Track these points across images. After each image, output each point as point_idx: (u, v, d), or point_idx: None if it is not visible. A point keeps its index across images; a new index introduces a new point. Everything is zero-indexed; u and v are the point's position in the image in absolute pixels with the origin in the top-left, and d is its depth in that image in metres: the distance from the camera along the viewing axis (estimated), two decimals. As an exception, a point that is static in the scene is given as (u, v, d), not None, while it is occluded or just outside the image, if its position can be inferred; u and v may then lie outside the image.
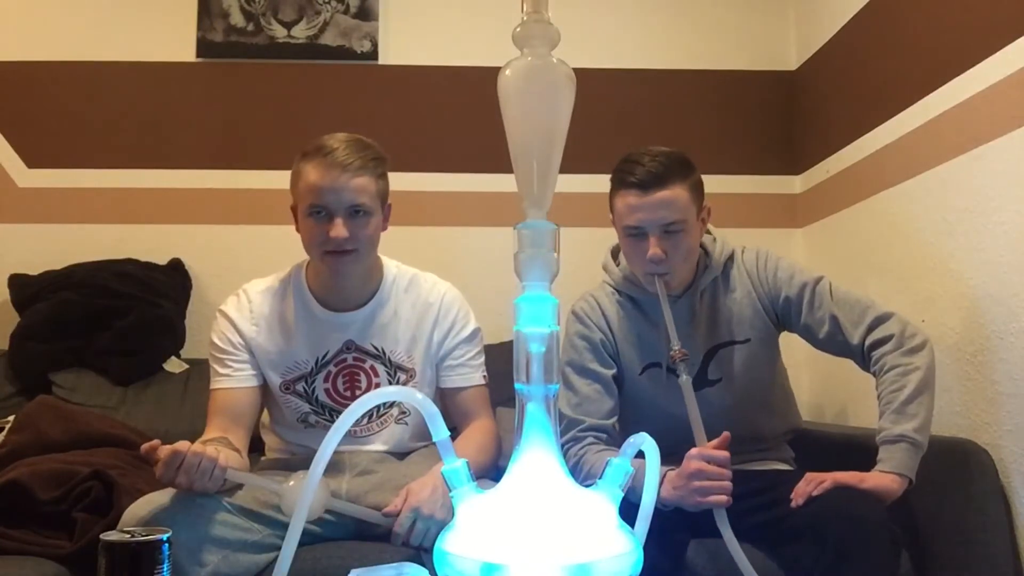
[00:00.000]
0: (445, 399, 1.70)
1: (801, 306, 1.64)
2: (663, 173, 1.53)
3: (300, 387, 1.63)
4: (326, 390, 1.63)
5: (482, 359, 1.72)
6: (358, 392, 1.63)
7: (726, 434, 1.40)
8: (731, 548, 1.32)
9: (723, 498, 1.35)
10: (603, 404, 1.63)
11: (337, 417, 0.82)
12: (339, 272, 1.56)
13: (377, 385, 1.64)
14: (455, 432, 1.66)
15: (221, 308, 1.65)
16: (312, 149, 1.55)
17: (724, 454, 1.38)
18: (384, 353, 1.65)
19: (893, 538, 1.32)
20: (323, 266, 1.57)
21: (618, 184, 1.58)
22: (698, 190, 1.59)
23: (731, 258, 1.70)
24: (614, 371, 1.67)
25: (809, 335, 1.66)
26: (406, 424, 1.69)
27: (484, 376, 1.71)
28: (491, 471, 1.60)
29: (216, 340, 1.62)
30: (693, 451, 1.39)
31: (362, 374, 1.64)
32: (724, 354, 1.66)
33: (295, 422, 1.65)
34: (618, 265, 1.73)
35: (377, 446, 1.66)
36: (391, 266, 1.71)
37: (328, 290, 1.63)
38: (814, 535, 1.33)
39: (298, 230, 1.60)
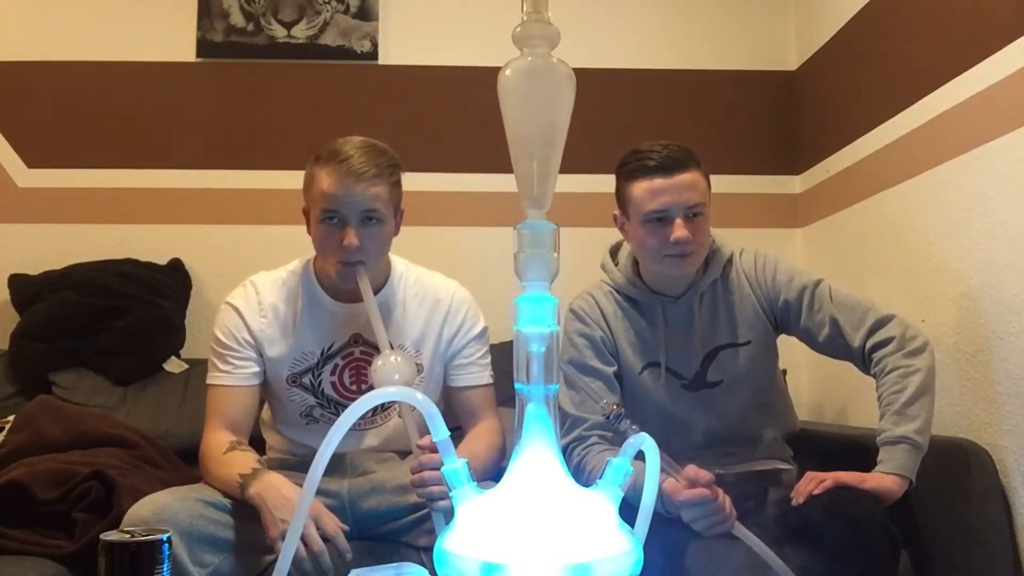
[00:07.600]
0: (452, 397, 1.69)
1: (801, 309, 1.64)
2: (683, 158, 1.55)
3: (307, 380, 1.62)
4: (332, 383, 1.62)
5: (489, 358, 1.71)
6: (364, 387, 1.62)
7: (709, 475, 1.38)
8: (758, 550, 1.31)
9: (726, 525, 1.34)
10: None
11: (342, 411, 0.82)
12: (347, 280, 1.56)
13: None
14: (460, 431, 1.66)
15: (228, 300, 1.62)
16: (327, 154, 1.52)
17: (703, 491, 1.35)
18: (392, 347, 1.64)
19: (891, 539, 1.32)
20: (333, 271, 1.56)
21: (635, 172, 1.57)
22: (708, 181, 1.60)
23: (730, 260, 1.70)
24: (615, 368, 1.67)
25: (809, 338, 1.66)
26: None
27: (491, 375, 1.70)
28: (496, 471, 1.60)
29: (220, 335, 1.59)
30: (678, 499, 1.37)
31: (369, 368, 1.63)
32: (724, 356, 1.66)
33: (298, 417, 1.64)
34: (617, 265, 1.73)
35: (378, 440, 1.66)
36: (398, 262, 1.70)
37: (337, 284, 1.63)
38: (812, 535, 1.33)
39: (309, 232, 1.59)
